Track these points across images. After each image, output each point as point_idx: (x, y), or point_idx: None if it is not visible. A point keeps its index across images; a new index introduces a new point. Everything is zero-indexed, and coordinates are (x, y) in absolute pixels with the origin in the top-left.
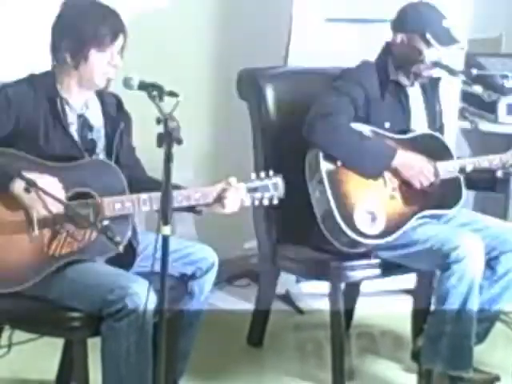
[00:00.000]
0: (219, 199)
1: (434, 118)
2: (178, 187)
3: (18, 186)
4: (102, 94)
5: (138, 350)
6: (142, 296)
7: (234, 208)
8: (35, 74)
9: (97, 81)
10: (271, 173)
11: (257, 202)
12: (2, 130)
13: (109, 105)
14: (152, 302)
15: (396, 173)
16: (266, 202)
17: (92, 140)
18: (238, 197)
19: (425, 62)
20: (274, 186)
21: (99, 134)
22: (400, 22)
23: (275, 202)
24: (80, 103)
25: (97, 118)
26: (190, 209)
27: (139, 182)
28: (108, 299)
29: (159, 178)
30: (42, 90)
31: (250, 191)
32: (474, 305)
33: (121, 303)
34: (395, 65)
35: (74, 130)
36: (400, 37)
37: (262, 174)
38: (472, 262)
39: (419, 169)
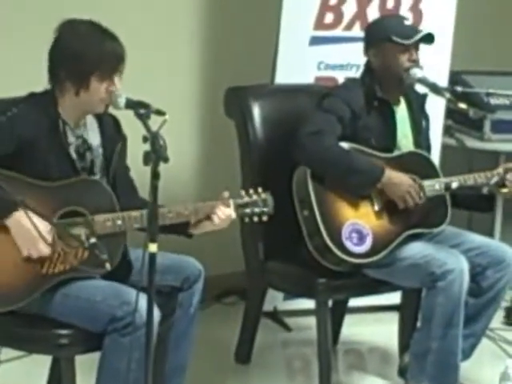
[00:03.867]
0: (208, 216)
1: (420, 135)
2: (163, 206)
3: (11, 221)
4: (100, 114)
5: (139, 366)
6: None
7: (223, 224)
8: (36, 93)
9: (96, 108)
10: (260, 189)
11: (247, 219)
12: (3, 150)
13: (107, 125)
14: (157, 318)
15: (383, 192)
16: (255, 219)
17: (91, 160)
18: (226, 212)
19: (404, 67)
20: (263, 203)
21: (97, 153)
22: (367, 40)
23: (265, 218)
24: (79, 123)
25: (94, 137)
26: (181, 232)
27: (132, 203)
28: (116, 315)
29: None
30: (43, 110)
31: (239, 207)
32: (459, 322)
33: (128, 319)
34: (379, 81)
35: (72, 150)
36: (372, 53)
37: (251, 191)
38: (457, 279)
39: (406, 189)
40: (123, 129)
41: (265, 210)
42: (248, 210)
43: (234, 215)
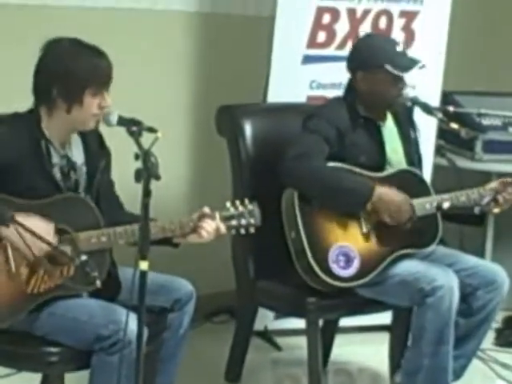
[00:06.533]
0: (195, 229)
1: (410, 147)
2: (152, 220)
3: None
4: (83, 131)
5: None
6: (135, 330)
7: (210, 237)
8: (19, 113)
9: (88, 124)
10: (247, 201)
11: (233, 231)
12: None
13: (91, 141)
14: (144, 336)
15: (372, 212)
16: (242, 231)
17: (76, 180)
18: (213, 225)
19: (393, 95)
20: (249, 214)
21: (81, 172)
22: (357, 61)
23: (252, 230)
24: (64, 143)
25: (79, 156)
26: (167, 242)
27: (119, 217)
28: (102, 334)
29: (138, 211)
30: (26, 130)
31: (225, 220)
32: (449, 339)
33: (115, 337)
34: (363, 103)
35: (57, 170)
36: (360, 75)
37: (237, 202)
38: (447, 295)
39: (397, 205)
40: (107, 144)
41: (251, 221)
42: (234, 222)
43: (223, 229)
